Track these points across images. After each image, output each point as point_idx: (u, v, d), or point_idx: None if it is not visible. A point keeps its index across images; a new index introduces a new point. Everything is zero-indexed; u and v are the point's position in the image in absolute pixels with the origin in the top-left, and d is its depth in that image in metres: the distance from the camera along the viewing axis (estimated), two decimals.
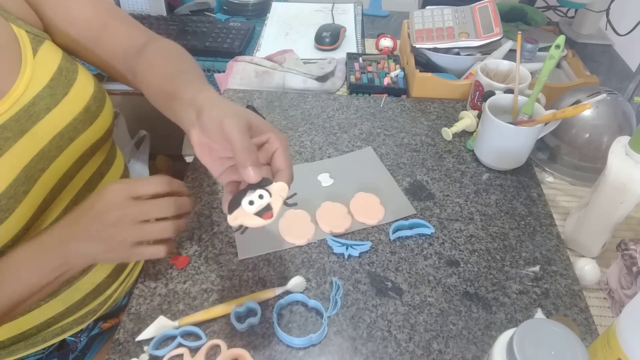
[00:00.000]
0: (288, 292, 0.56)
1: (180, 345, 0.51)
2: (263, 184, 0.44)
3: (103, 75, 0.72)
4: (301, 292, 0.56)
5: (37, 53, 0.56)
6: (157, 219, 0.49)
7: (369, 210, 0.66)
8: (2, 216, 0.50)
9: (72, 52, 0.64)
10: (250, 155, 0.42)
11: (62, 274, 0.51)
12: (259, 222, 0.43)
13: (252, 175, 0.42)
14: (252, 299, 0.55)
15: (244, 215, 0.43)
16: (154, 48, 0.65)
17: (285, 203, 0.44)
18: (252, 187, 0.44)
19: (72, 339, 0.68)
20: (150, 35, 0.68)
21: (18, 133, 0.53)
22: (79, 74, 0.61)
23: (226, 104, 0.47)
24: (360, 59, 0.98)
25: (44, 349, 0.66)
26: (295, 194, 0.46)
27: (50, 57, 0.58)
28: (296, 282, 0.57)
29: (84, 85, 0.60)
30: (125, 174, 0.75)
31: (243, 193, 0.44)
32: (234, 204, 0.44)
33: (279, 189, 0.44)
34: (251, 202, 0.43)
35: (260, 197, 0.43)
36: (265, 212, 0.43)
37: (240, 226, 0.43)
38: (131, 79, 0.66)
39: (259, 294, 0.56)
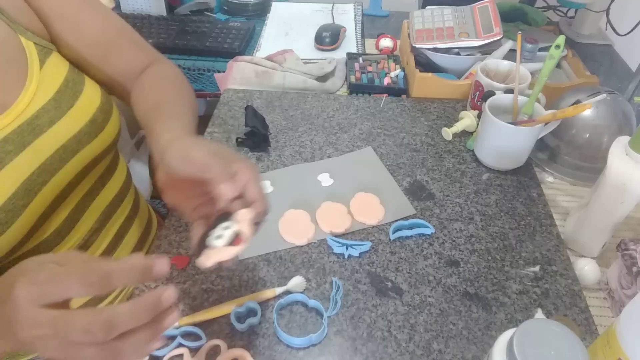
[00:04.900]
0: (288, 292, 0.56)
1: (180, 345, 0.51)
2: (225, 216, 0.43)
3: None
4: (301, 292, 0.56)
5: (44, 65, 0.56)
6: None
7: (369, 210, 0.66)
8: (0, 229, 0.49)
9: (76, 66, 0.63)
10: (214, 170, 0.41)
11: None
12: (232, 251, 0.42)
13: (228, 188, 0.41)
14: (252, 299, 0.55)
15: (216, 252, 0.42)
16: (150, 73, 0.65)
17: (254, 224, 0.43)
18: (215, 224, 0.42)
19: None
20: (155, 57, 0.68)
21: (19, 146, 0.52)
22: (85, 85, 0.60)
23: (190, 139, 0.47)
24: (360, 59, 0.98)
25: None
26: (259, 214, 0.44)
27: (57, 69, 0.57)
28: (296, 282, 0.57)
29: (90, 97, 0.60)
30: (128, 181, 0.74)
31: (207, 234, 0.42)
32: (201, 247, 0.42)
33: (244, 213, 0.43)
34: (218, 237, 0.42)
35: (226, 228, 0.42)
36: (235, 240, 0.42)
37: (218, 264, 0.42)
38: (128, 100, 0.66)
39: (259, 294, 0.56)
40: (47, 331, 0.34)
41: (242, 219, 0.42)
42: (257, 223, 0.43)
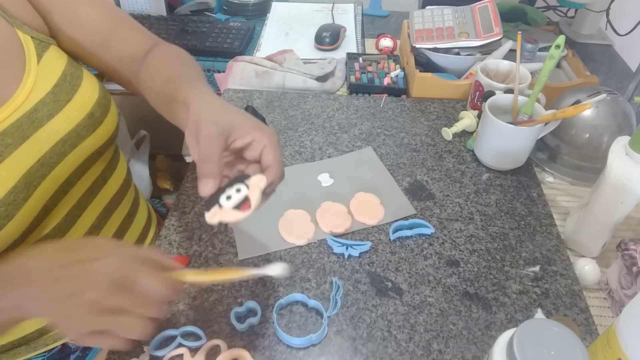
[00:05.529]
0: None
1: (180, 345, 0.51)
2: (241, 178, 0.44)
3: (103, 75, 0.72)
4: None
5: (42, 59, 0.56)
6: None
7: (369, 210, 0.66)
8: (0, 223, 0.49)
9: (78, 57, 0.63)
10: (207, 166, 0.42)
11: (12, 320, 0.43)
12: (237, 215, 0.43)
13: (202, 188, 0.42)
14: (215, 275, 0.46)
15: (222, 212, 0.43)
16: (156, 53, 0.65)
17: (264, 193, 0.44)
18: (230, 183, 0.44)
19: (73, 343, 0.68)
20: (155, 40, 0.69)
21: (19, 139, 0.52)
22: (83, 79, 0.60)
23: (210, 105, 0.47)
24: (360, 59, 0.98)
25: (46, 352, 0.66)
26: (272, 181, 0.45)
27: (54, 63, 0.57)
28: (276, 266, 0.48)
29: (88, 91, 0.60)
30: (128, 179, 0.75)
31: (221, 191, 0.43)
32: (211, 202, 0.43)
33: (257, 180, 0.44)
34: (229, 197, 0.43)
35: (238, 191, 0.43)
36: (242, 204, 0.43)
37: (220, 224, 0.43)
38: (135, 85, 0.66)
39: (231, 270, 0.46)
40: (96, 294, 0.38)
41: (254, 186, 0.43)
42: (268, 192, 0.44)
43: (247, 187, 0.43)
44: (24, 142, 0.53)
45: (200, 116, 0.45)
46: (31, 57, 0.55)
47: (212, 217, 0.43)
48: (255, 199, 0.43)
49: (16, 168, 0.52)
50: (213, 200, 0.43)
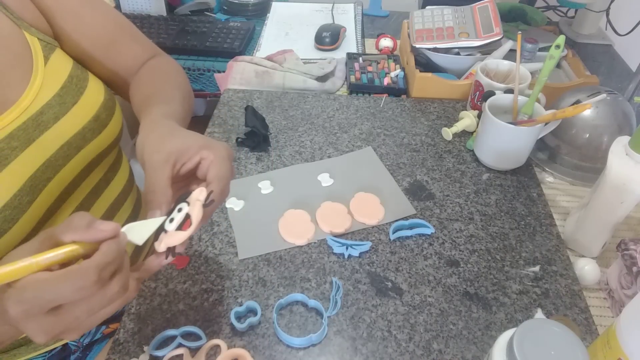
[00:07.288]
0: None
1: (180, 345, 0.51)
2: (184, 196, 0.42)
3: None
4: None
5: (49, 60, 0.56)
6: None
7: (369, 210, 0.66)
8: (5, 227, 0.49)
9: (79, 62, 0.64)
10: (151, 197, 0.42)
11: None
12: (180, 236, 0.41)
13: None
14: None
15: (167, 237, 0.41)
16: (146, 67, 0.66)
17: (204, 205, 0.42)
18: (175, 204, 0.42)
19: (74, 343, 0.68)
20: (154, 51, 0.69)
21: (25, 142, 0.52)
22: (89, 81, 0.60)
23: (154, 133, 0.47)
24: (360, 59, 0.98)
25: (46, 352, 0.66)
26: (212, 191, 0.42)
27: (61, 65, 0.57)
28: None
29: (94, 93, 0.60)
30: (131, 180, 0.75)
31: (167, 216, 0.42)
32: (159, 230, 0.41)
33: (197, 194, 0.42)
34: (172, 220, 0.41)
35: (180, 210, 0.42)
36: (184, 223, 0.41)
37: (169, 250, 0.41)
38: (129, 96, 0.67)
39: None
40: (53, 329, 0.34)
41: (194, 201, 0.42)
42: (209, 208, 0.42)
43: (188, 203, 0.42)
44: (30, 145, 0.53)
45: (144, 146, 0.45)
46: (38, 58, 0.55)
47: (159, 244, 0.41)
48: (195, 214, 0.41)
49: (22, 171, 0.51)
50: (160, 228, 0.41)
